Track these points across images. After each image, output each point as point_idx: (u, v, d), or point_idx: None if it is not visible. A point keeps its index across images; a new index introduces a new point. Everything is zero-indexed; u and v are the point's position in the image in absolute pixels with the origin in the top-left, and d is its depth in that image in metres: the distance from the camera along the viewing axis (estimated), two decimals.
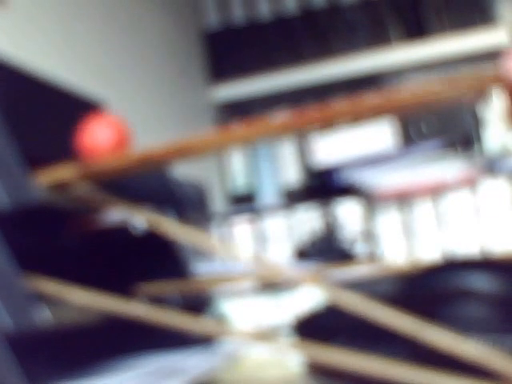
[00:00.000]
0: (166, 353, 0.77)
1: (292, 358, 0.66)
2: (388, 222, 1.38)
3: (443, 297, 0.53)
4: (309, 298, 1.16)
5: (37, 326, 0.56)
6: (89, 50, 1.10)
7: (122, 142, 0.52)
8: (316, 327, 0.65)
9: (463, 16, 1.53)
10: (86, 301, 0.58)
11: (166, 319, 0.55)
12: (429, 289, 0.54)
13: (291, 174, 1.64)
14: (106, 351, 0.75)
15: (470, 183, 1.30)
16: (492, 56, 1.54)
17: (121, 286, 0.78)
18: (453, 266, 0.55)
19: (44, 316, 0.56)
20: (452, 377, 0.49)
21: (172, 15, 1.51)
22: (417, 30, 1.57)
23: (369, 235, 1.39)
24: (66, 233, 0.70)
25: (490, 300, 0.52)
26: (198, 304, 0.89)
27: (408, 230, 1.37)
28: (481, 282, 0.52)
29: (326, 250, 1.30)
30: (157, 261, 0.85)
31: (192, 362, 0.72)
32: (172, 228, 0.63)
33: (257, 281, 1.14)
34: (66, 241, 0.70)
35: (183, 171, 1.21)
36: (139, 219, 0.71)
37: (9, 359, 0.52)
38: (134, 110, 1.21)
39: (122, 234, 0.78)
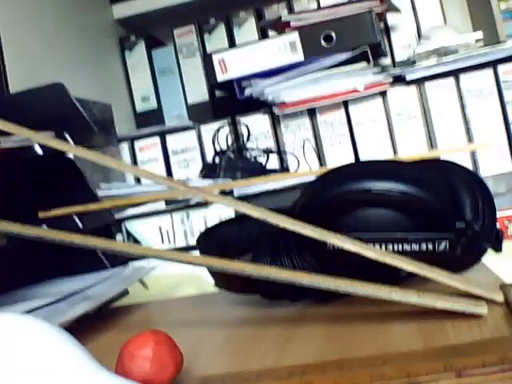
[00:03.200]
0: (77, 277, 0.75)
1: (206, 276, 0.66)
2: (298, 134, 1.38)
3: (351, 201, 0.53)
4: (219, 214, 1.16)
5: None
6: None
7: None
8: (218, 239, 0.65)
9: None
10: None
11: (77, 242, 0.53)
12: (337, 194, 0.53)
13: (197, 90, 1.62)
14: (15, 278, 0.74)
15: (380, 92, 1.31)
16: None
17: (28, 210, 0.76)
18: (361, 170, 0.55)
19: None
20: (359, 283, 0.49)
21: None
22: None
23: (277, 148, 1.39)
24: None
25: (399, 203, 0.52)
26: (108, 226, 0.88)
27: (319, 141, 1.38)
28: (389, 185, 0.52)
29: (234, 165, 1.30)
30: (63, 184, 0.83)
31: (104, 285, 0.71)
32: (78, 151, 0.60)
33: (166, 200, 1.13)
34: None
35: (88, 93, 1.18)
36: (43, 142, 0.68)
37: None
38: (30, 33, 1.17)
39: (26, 158, 0.75)
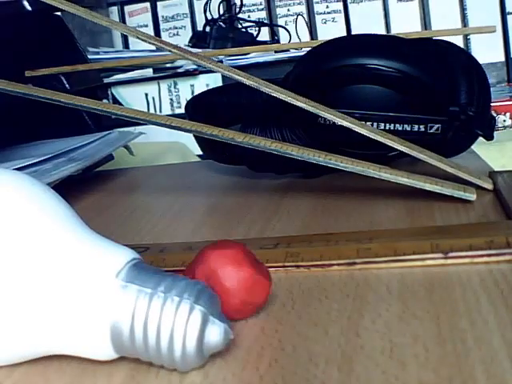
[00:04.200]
0: (62, 140, 0.75)
1: (190, 145, 0.65)
2: (291, 7, 1.36)
3: (345, 75, 0.52)
4: (206, 84, 1.14)
5: None
6: None
7: None
8: (206, 107, 0.64)
9: None
10: None
11: (64, 100, 0.52)
12: (331, 67, 0.52)
13: None
14: (3, 139, 0.73)
15: None
16: None
17: (13, 68, 0.74)
18: (357, 44, 0.54)
19: None
20: (349, 159, 0.49)
21: None
22: None
23: (270, 21, 1.37)
24: None
25: (394, 81, 0.51)
26: (94, 91, 0.86)
27: (312, 17, 1.35)
28: (386, 62, 0.51)
29: (225, 35, 1.28)
30: (51, 44, 0.81)
31: (90, 147, 0.70)
32: (69, 6, 0.58)
33: (154, 67, 1.11)
34: None
35: None
36: None
37: None
38: None
39: (13, 14, 0.73)
